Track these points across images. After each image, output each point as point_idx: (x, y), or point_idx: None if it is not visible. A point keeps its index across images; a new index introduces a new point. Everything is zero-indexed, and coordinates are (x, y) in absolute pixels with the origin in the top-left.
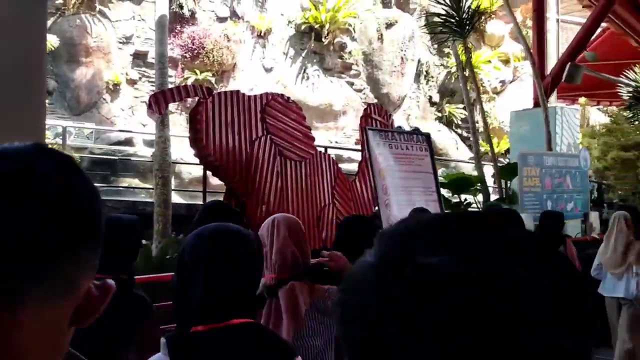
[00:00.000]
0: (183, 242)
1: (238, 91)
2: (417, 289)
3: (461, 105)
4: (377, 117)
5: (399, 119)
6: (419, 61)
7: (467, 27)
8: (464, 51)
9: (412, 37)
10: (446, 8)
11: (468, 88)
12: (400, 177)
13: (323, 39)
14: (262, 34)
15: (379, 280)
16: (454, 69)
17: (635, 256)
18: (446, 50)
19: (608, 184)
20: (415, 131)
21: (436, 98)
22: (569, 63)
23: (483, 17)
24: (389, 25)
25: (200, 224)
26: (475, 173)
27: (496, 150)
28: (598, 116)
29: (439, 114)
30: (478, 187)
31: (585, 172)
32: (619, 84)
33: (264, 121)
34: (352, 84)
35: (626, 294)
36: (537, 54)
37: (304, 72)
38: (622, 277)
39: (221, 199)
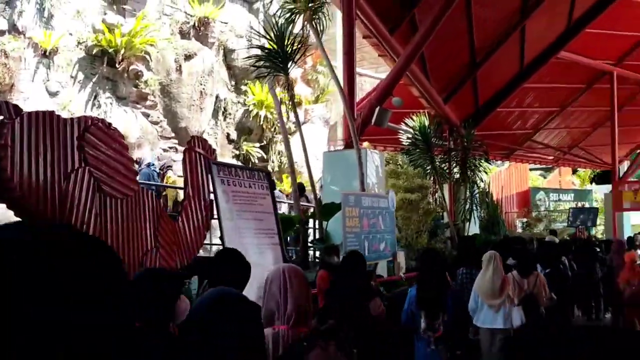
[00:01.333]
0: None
1: (52, 112)
2: None
3: (258, 144)
4: (200, 151)
5: None
6: (217, 97)
7: (291, 63)
8: (286, 87)
9: (211, 71)
10: (271, 42)
11: (265, 126)
12: (245, 218)
13: (117, 65)
14: (46, 53)
15: None
16: (251, 107)
17: (513, 289)
18: (243, 88)
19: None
20: (258, 168)
21: (234, 135)
22: (378, 107)
23: (305, 54)
24: (187, 57)
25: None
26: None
27: (289, 189)
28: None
29: (237, 152)
30: (297, 228)
31: (392, 213)
32: (399, 131)
33: (82, 150)
34: (148, 116)
35: (505, 324)
36: (348, 96)
37: (95, 99)
38: (499, 309)
39: None
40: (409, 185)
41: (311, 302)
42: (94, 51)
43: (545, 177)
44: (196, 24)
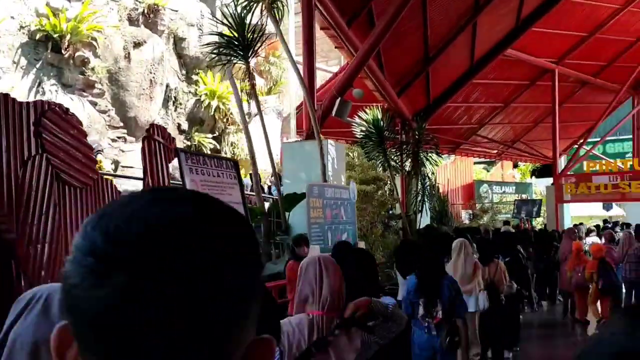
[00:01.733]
0: None
1: (7, 95)
2: None
3: (210, 135)
4: (160, 139)
5: None
6: (167, 86)
7: (252, 50)
8: (246, 76)
9: (161, 59)
10: (231, 30)
11: (217, 117)
12: None
13: (62, 51)
14: None
15: None
16: (203, 97)
17: (481, 275)
18: (194, 77)
19: None
20: (226, 157)
21: (185, 126)
22: (339, 98)
23: (266, 42)
24: (136, 45)
25: None
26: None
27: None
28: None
29: (188, 143)
30: (259, 219)
31: (353, 204)
32: (353, 124)
33: (39, 136)
34: (95, 104)
35: (475, 308)
36: (308, 86)
37: (39, 85)
38: (472, 294)
39: None
40: (364, 177)
41: (344, 290)
42: (38, 36)
43: (488, 171)
44: (145, 11)
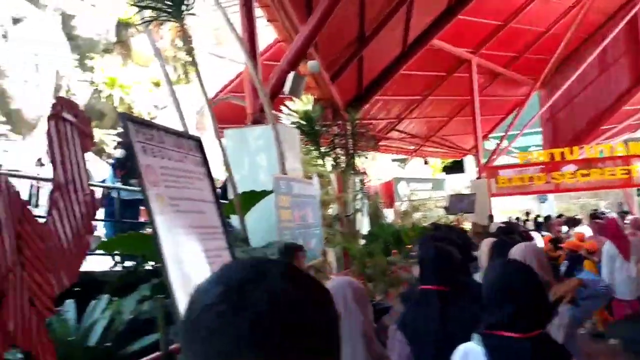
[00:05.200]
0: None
1: None
2: None
3: (113, 131)
4: (71, 119)
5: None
6: (57, 73)
7: (186, 6)
8: (183, 38)
9: (48, 40)
10: None
11: (122, 110)
12: (180, 210)
13: None
14: None
15: None
16: (101, 87)
17: None
18: (89, 63)
19: None
20: (185, 133)
21: None
22: (293, 73)
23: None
24: (16, 21)
25: None
26: None
27: None
28: None
29: None
30: None
31: (319, 202)
32: (278, 116)
33: None
34: None
35: None
36: (253, 60)
37: None
38: None
39: None
40: (304, 173)
41: None
42: None
43: (402, 168)
44: None
